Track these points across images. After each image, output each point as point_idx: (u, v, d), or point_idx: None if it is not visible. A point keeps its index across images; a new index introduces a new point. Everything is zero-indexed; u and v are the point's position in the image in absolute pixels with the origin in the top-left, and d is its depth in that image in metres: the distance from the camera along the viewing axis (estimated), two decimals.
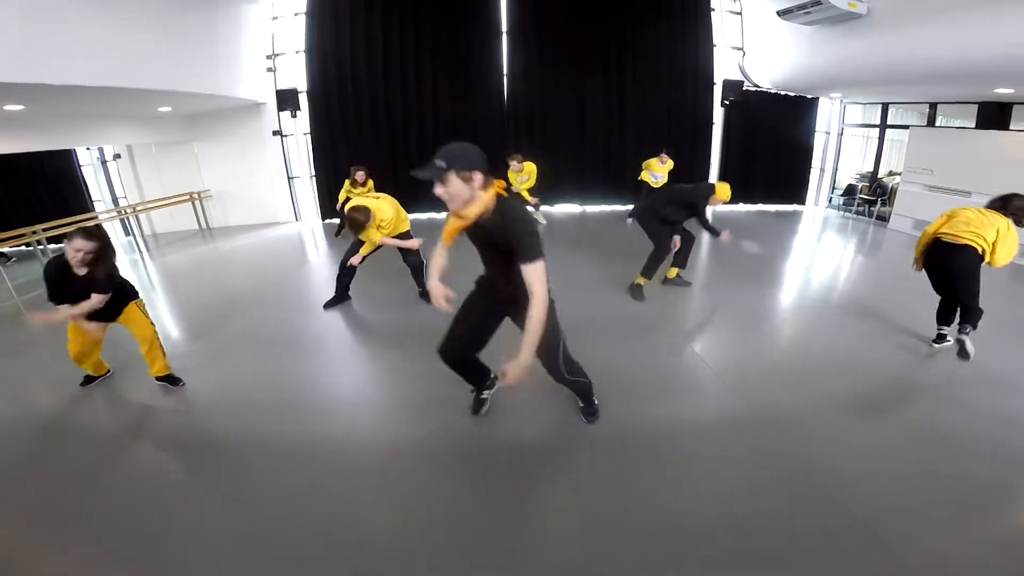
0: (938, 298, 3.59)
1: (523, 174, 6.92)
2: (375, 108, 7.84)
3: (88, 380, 3.18)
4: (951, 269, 3.35)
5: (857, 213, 8.52)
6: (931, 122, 7.69)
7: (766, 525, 2.04)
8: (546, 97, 8.24)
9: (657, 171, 7.32)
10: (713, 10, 8.26)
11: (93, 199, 8.42)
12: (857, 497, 2.16)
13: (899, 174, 7.78)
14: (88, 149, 8.41)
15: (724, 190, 4.25)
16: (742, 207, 9.20)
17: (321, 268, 5.96)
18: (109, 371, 3.27)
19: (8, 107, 5.20)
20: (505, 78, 8.13)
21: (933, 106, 7.62)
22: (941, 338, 3.64)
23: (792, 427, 2.68)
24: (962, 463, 2.39)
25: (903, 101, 8.19)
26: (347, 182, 6.44)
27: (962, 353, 3.35)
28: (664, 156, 7.24)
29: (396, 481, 2.35)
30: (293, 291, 5.18)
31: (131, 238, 7.60)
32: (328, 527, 2.07)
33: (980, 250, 3.22)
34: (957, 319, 3.43)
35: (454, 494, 2.27)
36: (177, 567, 1.91)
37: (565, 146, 8.36)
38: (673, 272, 4.91)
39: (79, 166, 8.34)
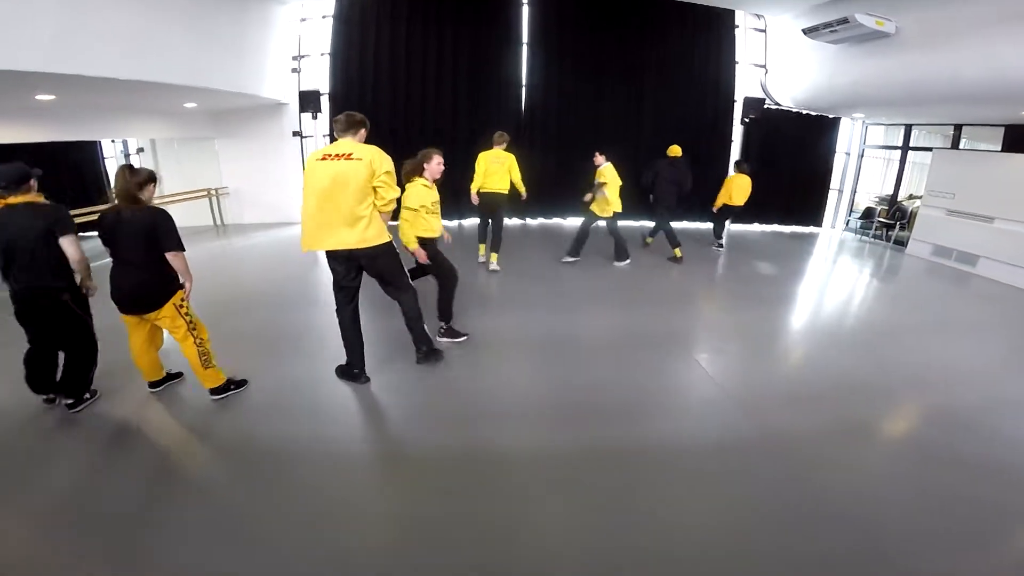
0: None
1: (500, 161, 5.46)
2: (395, 113, 7.91)
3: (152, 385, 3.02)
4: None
5: (875, 237, 8.39)
6: (955, 144, 7.58)
7: (772, 546, 1.98)
8: (563, 109, 8.26)
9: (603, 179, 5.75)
10: (737, 27, 8.24)
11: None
12: (867, 521, 2.10)
13: (920, 198, 7.66)
14: (113, 142, 8.59)
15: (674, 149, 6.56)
16: (757, 227, 9.10)
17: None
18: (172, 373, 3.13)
19: (40, 96, 5.33)
20: (524, 88, 8.16)
21: (958, 128, 7.52)
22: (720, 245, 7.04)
23: (801, 449, 2.62)
24: (974, 489, 2.32)
25: (927, 123, 8.09)
26: (418, 180, 3.64)
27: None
28: (598, 159, 5.88)
29: (388, 489, 2.34)
30: (302, 290, 5.19)
31: None
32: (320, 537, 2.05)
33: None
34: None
35: (444, 506, 2.21)
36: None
37: (581, 158, 8.32)
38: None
39: (103, 158, 8.51)
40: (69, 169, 8.06)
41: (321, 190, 2.74)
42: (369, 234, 2.83)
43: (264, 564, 1.88)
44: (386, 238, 2.92)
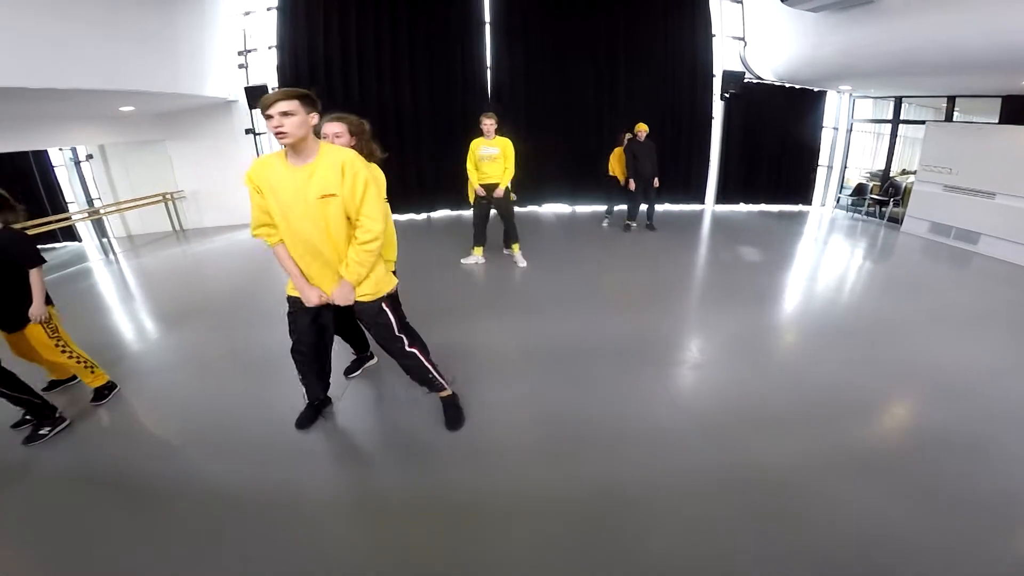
0: None
1: (493, 146, 5.04)
2: (349, 103, 7.42)
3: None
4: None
5: (867, 214, 7.95)
6: (948, 117, 7.10)
7: None
8: (532, 90, 7.78)
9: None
10: None
11: (67, 201, 8.13)
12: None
13: (913, 172, 7.20)
14: (61, 150, 8.13)
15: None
16: (743, 207, 8.66)
17: None
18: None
19: None
20: (489, 70, 7.68)
21: (951, 100, 7.03)
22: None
23: (784, 482, 2.22)
24: (988, 533, 1.91)
25: (918, 95, 7.59)
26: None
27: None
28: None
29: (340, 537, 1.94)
30: (260, 301, 4.75)
31: (105, 240, 7.27)
32: None
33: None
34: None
35: (404, 548, 1.90)
36: None
37: (553, 142, 7.87)
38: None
39: (52, 167, 8.06)
40: (15, 180, 7.64)
41: None
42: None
43: None
44: None
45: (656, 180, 6.72)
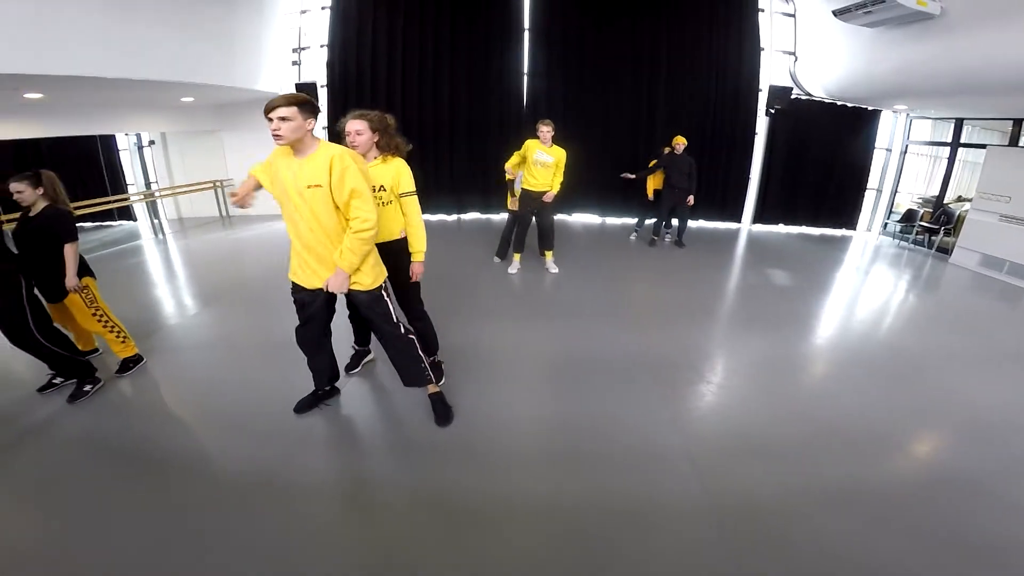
0: None
1: (549, 154, 5.04)
2: (392, 104, 7.65)
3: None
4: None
5: (915, 243, 7.52)
6: (1014, 141, 6.65)
7: None
8: (568, 98, 7.79)
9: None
10: (762, 10, 7.50)
11: (127, 183, 8.72)
12: None
13: (969, 200, 6.78)
14: (127, 135, 8.73)
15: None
16: (782, 228, 8.36)
17: None
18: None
19: (28, 95, 5.34)
20: (525, 76, 7.74)
21: (1018, 123, 6.59)
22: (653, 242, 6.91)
23: (788, 511, 2.15)
24: None
25: (981, 117, 7.15)
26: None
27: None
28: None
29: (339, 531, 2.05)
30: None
31: (156, 221, 7.76)
32: None
33: None
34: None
35: (398, 543, 1.95)
36: None
37: (587, 152, 7.82)
38: None
39: (118, 151, 8.66)
40: (82, 161, 8.27)
41: None
42: None
43: None
44: None
45: (691, 198, 6.56)
